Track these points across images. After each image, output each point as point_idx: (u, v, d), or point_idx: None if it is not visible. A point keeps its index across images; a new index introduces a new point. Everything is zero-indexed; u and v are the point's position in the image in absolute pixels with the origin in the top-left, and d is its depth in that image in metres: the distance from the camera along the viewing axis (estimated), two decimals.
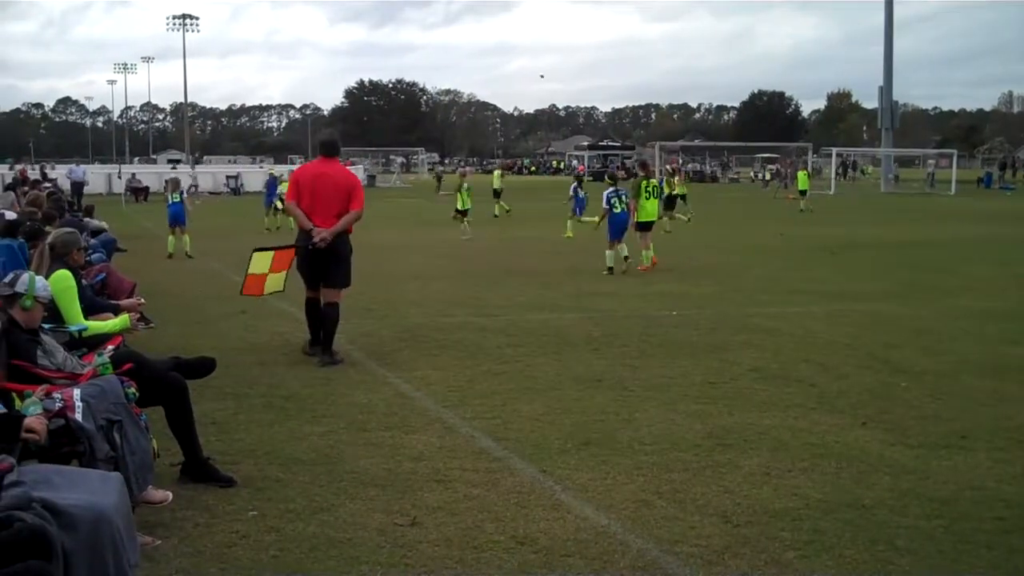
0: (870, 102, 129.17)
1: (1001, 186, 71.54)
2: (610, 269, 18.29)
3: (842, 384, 9.35)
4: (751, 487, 6.39)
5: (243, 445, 7.26)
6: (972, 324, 12.85)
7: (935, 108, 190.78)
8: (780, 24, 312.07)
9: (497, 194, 38.07)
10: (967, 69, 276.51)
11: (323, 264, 10.27)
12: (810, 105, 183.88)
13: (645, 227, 19.57)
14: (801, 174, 46.29)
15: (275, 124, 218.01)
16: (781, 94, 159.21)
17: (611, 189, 19.12)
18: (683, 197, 34.50)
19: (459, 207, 29.87)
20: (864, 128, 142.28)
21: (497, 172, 41.61)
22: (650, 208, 19.70)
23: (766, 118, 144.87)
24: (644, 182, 19.59)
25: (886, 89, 73.46)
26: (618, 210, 18.74)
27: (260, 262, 10.47)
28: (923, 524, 5.73)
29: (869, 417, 8.10)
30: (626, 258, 18.57)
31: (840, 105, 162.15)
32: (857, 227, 31.58)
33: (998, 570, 5.14)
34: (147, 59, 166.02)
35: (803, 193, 43.23)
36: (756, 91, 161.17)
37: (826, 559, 5.25)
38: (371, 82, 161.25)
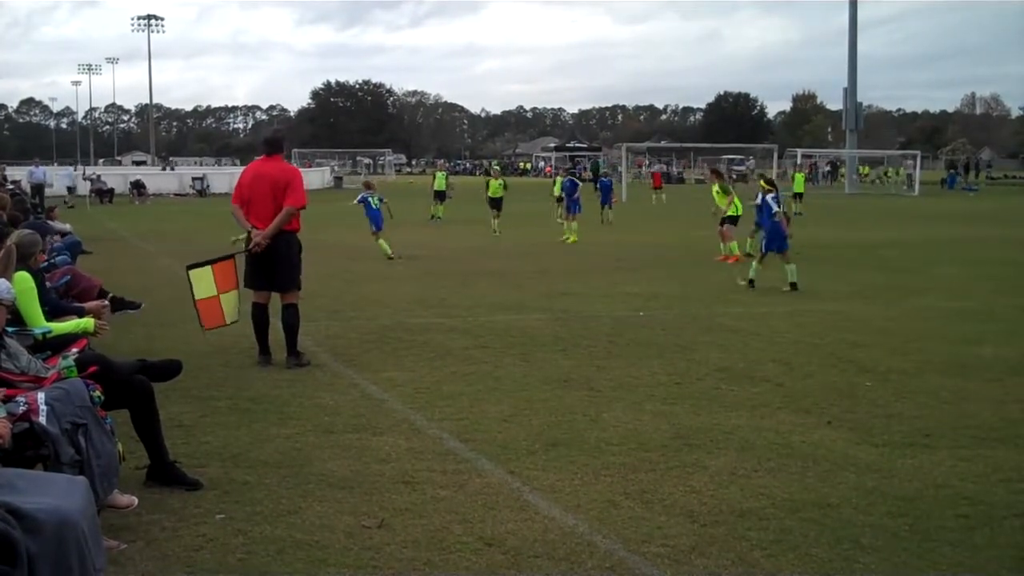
0: (835, 103, 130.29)
1: (964, 187, 72.27)
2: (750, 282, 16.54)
3: (808, 384, 9.41)
4: (718, 487, 6.42)
5: (209, 448, 7.23)
6: (937, 324, 12.98)
7: (899, 109, 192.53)
8: (746, 26, 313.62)
9: (440, 196, 36.55)
10: (928, 71, 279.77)
11: (267, 266, 10.06)
12: (776, 107, 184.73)
13: (733, 221, 21.60)
14: (798, 176, 44.32)
15: (241, 125, 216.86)
16: (747, 96, 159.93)
17: (772, 194, 16.87)
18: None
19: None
20: (829, 129, 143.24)
21: (441, 174, 39.22)
22: (738, 203, 21.68)
23: (732, 120, 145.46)
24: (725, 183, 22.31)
25: (850, 91, 73.95)
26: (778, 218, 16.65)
27: (202, 282, 9.63)
28: (888, 522, 5.79)
29: (834, 416, 8.17)
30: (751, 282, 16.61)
31: (805, 107, 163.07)
32: (822, 228, 31.78)
33: (961, 567, 5.20)
34: (112, 60, 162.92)
35: (799, 196, 41.08)
36: (722, 93, 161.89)
37: (792, 558, 5.28)
38: (337, 83, 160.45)
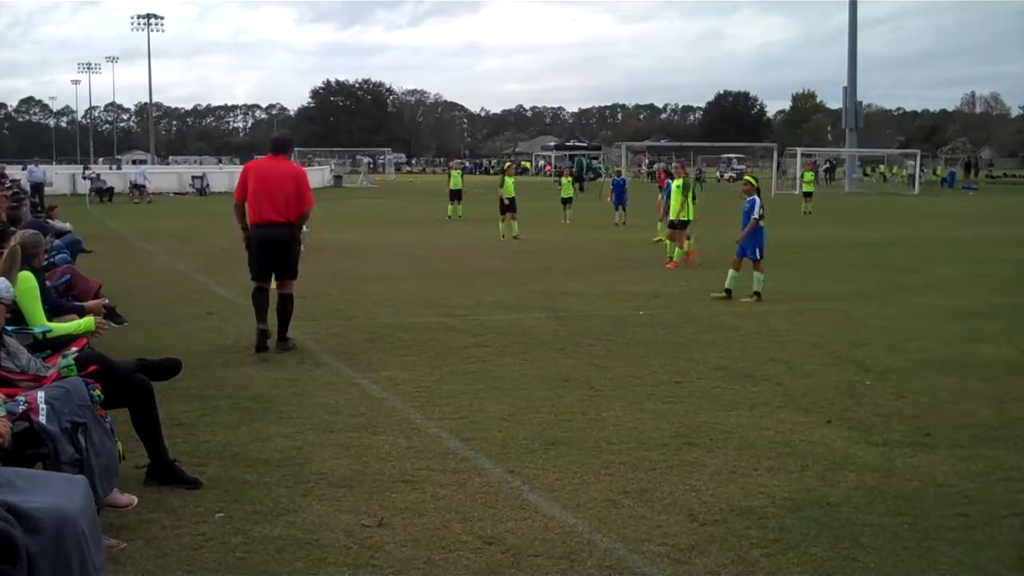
0: (834, 102, 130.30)
1: (964, 186, 72.28)
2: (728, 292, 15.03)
3: (807, 383, 9.41)
4: (717, 486, 6.42)
5: (209, 447, 7.22)
6: (936, 323, 12.99)
7: (898, 108, 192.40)
8: (746, 26, 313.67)
9: (457, 195, 35.43)
10: (927, 70, 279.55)
11: (276, 259, 10.86)
12: (775, 105, 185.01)
13: (684, 226, 20.25)
14: (807, 175, 44.38)
15: (241, 124, 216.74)
16: (746, 94, 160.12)
17: (756, 197, 15.36)
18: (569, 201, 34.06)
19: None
20: (829, 128, 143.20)
21: (456, 172, 37.80)
22: (691, 207, 20.45)
23: (732, 118, 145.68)
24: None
25: (850, 89, 73.94)
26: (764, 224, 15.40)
27: None
28: (888, 521, 5.79)
29: (834, 415, 8.17)
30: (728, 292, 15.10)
31: (805, 105, 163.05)
32: (823, 227, 31.79)
33: (961, 566, 5.20)
34: (111, 59, 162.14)
35: (808, 195, 41.46)
36: (722, 91, 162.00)
37: (792, 557, 5.28)
38: (337, 82, 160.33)
